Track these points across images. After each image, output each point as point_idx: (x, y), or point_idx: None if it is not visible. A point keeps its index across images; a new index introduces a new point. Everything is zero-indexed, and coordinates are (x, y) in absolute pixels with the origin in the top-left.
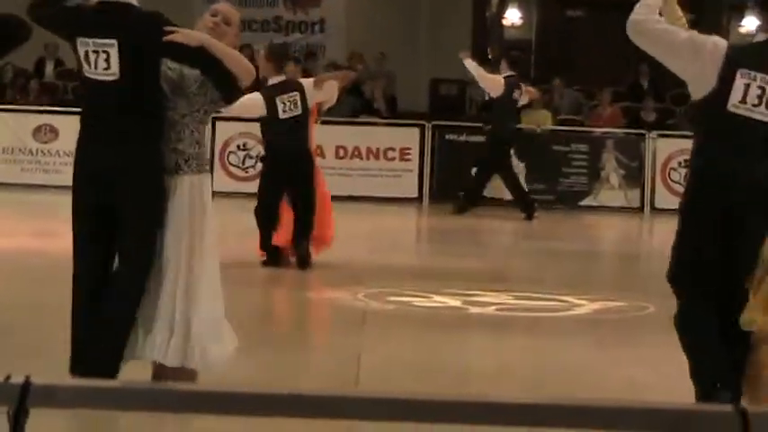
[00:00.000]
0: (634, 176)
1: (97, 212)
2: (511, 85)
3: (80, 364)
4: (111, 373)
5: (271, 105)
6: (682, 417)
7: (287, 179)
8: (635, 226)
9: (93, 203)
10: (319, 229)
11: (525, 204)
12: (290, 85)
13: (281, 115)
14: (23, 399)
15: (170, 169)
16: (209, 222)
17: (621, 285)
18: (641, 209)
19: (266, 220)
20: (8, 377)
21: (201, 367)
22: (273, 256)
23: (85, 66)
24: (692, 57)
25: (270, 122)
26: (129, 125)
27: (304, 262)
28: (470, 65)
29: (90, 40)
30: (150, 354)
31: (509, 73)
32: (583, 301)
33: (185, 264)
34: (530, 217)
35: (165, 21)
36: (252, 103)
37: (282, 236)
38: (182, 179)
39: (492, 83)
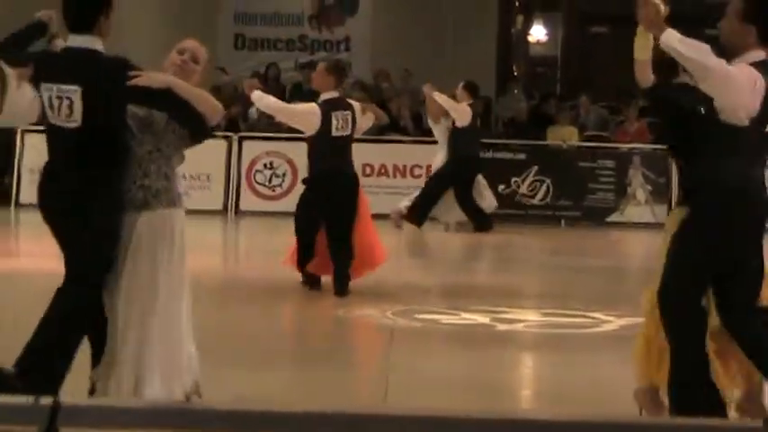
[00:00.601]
0: (661, 192)
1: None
2: (474, 112)
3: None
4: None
5: (326, 120)
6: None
7: (329, 201)
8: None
9: (56, 233)
10: (369, 252)
11: (481, 220)
12: (344, 104)
13: (334, 132)
14: (53, 419)
15: (138, 205)
16: (179, 256)
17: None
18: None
19: (305, 244)
20: (38, 398)
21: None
22: (311, 280)
23: (49, 112)
24: (750, 89)
25: (320, 139)
26: (89, 173)
27: (343, 292)
28: (440, 97)
29: (54, 86)
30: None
31: (471, 101)
32: (610, 318)
33: (140, 299)
34: (481, 229)
35: (131, 66)
36: (310, 112)
37: (320, 265)
38: (152, 213)
39: (463, 112)
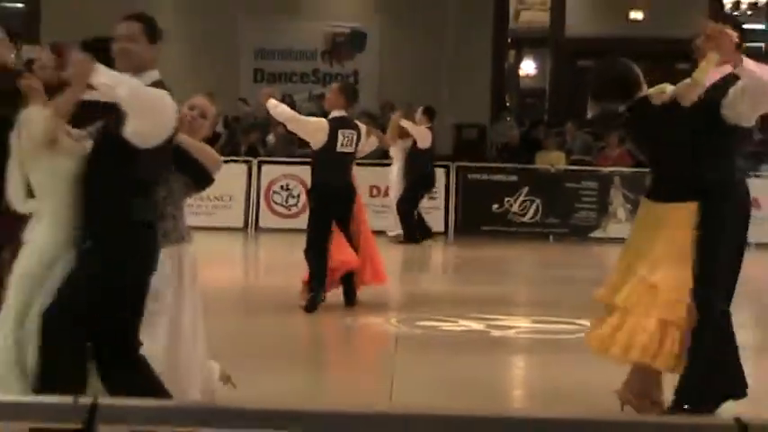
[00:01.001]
0: None
1: None
2: (433, 134)
3: None
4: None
5: (333, 136)
6: (687, 429)
7: (328, 210)
8: None
9: None
10: (371, 264)
11: (409, 233)
12: (351, 124)
13: (339, 148)
14: (92, 417)
15: None
16: (190, 282)
17: None
18: None
19: (318, 256)
20: (77, 398)
21: None
22: (313, 304)
23: None
24: None
25: (325, 154)
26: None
27: (351, 301)
28: (406, 123)
29: None
30: None
31: (429, 124)
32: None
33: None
34: (409, 241)
35: None
36: (319, 127)
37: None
38: (162, 252)
39: (425, 135)
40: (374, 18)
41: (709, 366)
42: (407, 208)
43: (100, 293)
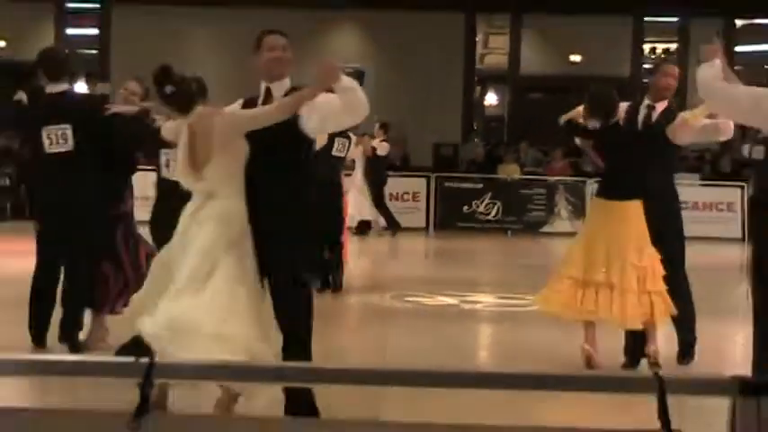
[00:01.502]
0: (578, 211)
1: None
2: (388, 145)
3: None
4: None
5: (330, 141)
6: (612, 381)
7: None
8: None
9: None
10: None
11: (390, 221)
12: (344, 133)
13: (334, 152)
14: (149, 373)
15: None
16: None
17: None
18: None
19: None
20: (137, 358)
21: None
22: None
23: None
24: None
25: (321, 155)
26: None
27: (337, 286)
28: (378, 144)
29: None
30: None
31: (384, 137)
32: None
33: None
34: (392, 227)
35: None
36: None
37: None
38: None
39: (385, 147)
40: (371, 59)
41: (693, 320)
42: (380, 202)
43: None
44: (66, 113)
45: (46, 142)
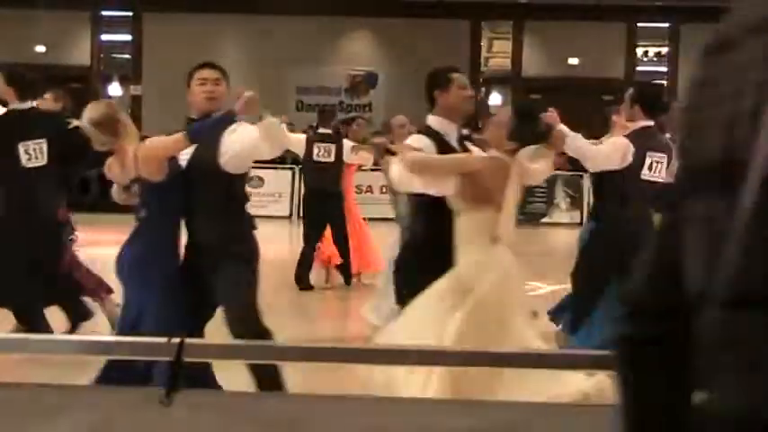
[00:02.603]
0: (576, 203)
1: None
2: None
3: None
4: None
5: (309, 148)
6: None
7: (316, 213)
8: (576, 235)
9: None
10: (365, 254)
11: None
12: (331, 138)
13: (315, 158)
14: (180, 353)
15: None
16: None
17: (569, 273)
18: (580, 224)
19: (305, 253)
20: (170, 338)
21: None
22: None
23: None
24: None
25: (306, 163)
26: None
27: (348, 282)
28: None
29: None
30: None
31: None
32: (543, 285)
33: None
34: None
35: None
36: (297, 141)
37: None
38: None
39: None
40: (383, 63)
41: None
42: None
43: None
44: (39, 129)
45: (24, 157)
